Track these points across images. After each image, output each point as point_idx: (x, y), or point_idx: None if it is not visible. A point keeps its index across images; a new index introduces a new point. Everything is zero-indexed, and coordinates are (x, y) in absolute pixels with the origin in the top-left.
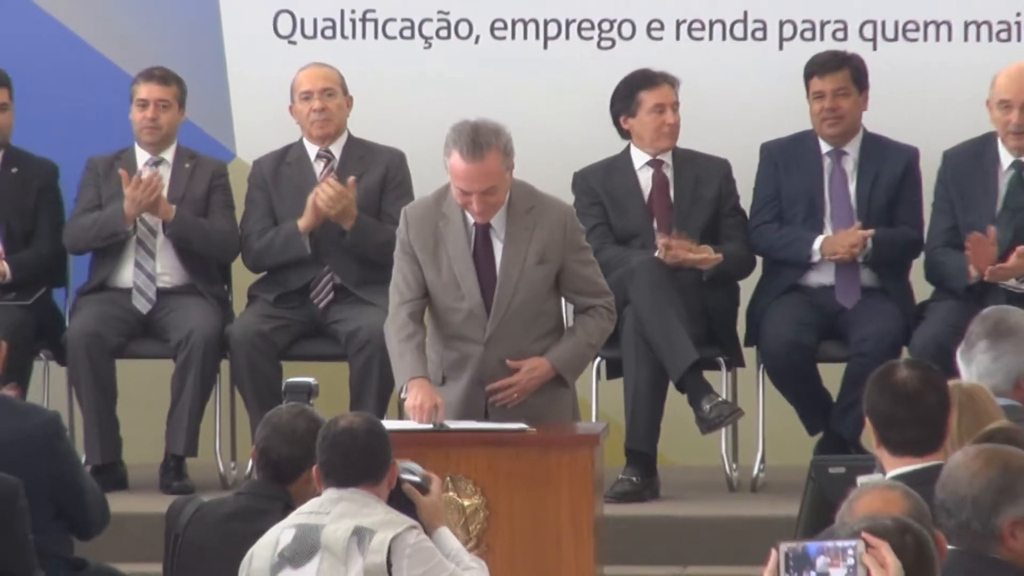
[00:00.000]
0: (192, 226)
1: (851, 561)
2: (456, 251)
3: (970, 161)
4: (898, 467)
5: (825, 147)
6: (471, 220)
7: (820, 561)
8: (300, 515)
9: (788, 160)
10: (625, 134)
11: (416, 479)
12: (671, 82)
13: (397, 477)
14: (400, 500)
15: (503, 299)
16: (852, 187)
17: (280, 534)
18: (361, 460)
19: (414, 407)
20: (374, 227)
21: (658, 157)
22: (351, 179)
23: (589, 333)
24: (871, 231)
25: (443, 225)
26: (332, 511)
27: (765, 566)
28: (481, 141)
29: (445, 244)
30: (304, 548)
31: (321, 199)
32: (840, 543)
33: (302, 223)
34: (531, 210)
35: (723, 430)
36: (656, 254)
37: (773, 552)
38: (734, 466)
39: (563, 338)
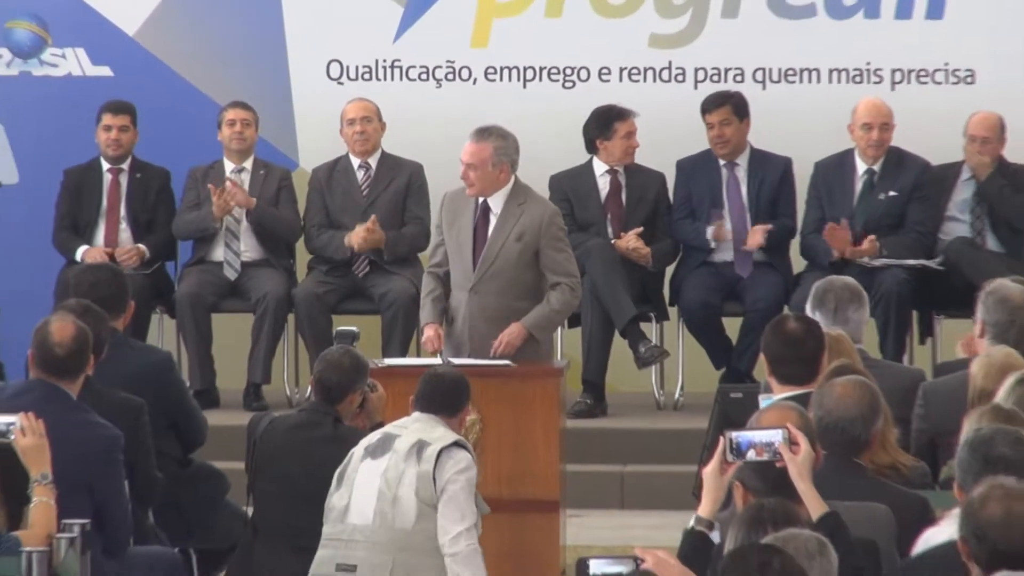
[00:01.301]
0: (267, 214)
1: (777, 442)
2: (464, 223)
3: (834, 169)
4: (783, 392)
5: (722, 161)
6: (480, 202)
7: (750, 453)
8: (389, 426)
9: (696, 171)
10: (593, 150)
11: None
12: (634, 115)
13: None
14: None
15: (486, 261)
16: (744, 190)
17: (373, 436)
18: (440, 395)
19: (425, 340)
20: (399, 240)
21: (615, 168)
22: (372, 217)
23: (552, 303)
24: (769, 227)
25: (463, 204)
26: (410, 427)
27: (716, 451)
28: (484, 133)
29: (460, 218)
30: (382, 447)
31: (358, 245)
32: (768, 432)
33: (352, 242)
34: (523, 203)
35: (654, 366)
36: (612, 240)
37: (721, 439)
38: (661, 392)
39: (536, 308)
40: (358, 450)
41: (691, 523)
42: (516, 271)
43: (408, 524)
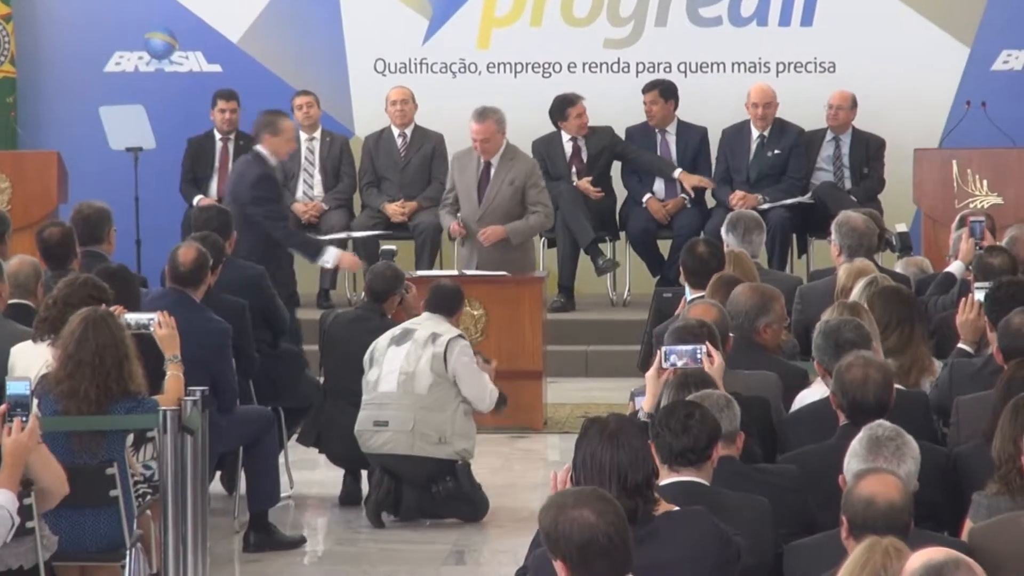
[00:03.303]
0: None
1: (697, 356)
2: (469, 174)
3: (735, 134)
4: (694, 294)
5: (657, 130)
6: (481, 158)
7: (677, 360)
8: (408, 322)
9: (639, 136)
10: (557, 126)
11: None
12: (581, 100)
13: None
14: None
15: (487, 200)
16: (673, 151)
17: (393, 330)
18: (443, 300)
19: (452, 230)
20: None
21: (574, 136)
22: (402, 200)
23: (530, 220)
24: (686, 198)
25: (468, 161)
26: (424, 323)
27: (653, 363)
28: (484, 114)
29: (467, 170)
30: (404, 337)
31: (392, 216)
32: (690, 346)
33: (388, 212)
34: (513, 158)
35: (608, 274)
36: (575, 184)
37: (658, 353)
38: (614, 293)
39: (518, 221)
40: (384, 338)
41: (640, 415)
42: (510, 205)
43: (424, 390)
